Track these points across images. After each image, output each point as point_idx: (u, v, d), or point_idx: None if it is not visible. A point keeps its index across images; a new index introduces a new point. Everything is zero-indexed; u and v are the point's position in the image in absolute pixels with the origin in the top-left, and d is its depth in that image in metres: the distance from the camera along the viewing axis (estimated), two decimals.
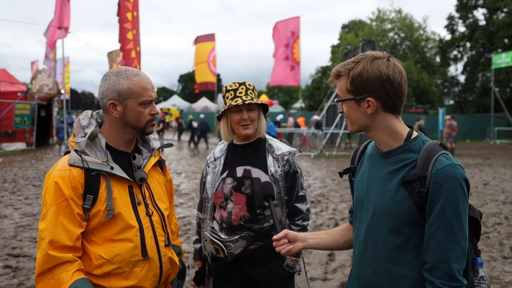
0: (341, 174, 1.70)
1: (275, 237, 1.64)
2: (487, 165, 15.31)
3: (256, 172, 2.24)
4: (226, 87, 2.31)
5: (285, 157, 2.27)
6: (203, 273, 2.37)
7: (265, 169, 2.25)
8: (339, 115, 20.54)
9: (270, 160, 2.27)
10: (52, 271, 1.57)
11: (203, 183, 2.43)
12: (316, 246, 1.72)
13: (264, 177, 2.22)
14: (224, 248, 2.24)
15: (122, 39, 17.59)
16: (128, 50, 17.84)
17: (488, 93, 32.05)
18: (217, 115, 2.39)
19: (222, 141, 2.46)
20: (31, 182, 10.06)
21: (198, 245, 2.49)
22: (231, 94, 2.26)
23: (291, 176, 2.27)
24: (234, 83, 2.29)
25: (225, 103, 2.29)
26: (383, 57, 1.46)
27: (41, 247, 1.59)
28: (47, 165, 13.20)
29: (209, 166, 2.40)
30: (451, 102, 41.17)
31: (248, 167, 2.27)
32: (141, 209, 1.76)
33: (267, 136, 2.38)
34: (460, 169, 1.37)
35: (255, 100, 2.23)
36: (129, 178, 1.73)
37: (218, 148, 2.45)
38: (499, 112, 30.34)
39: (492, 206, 8.10)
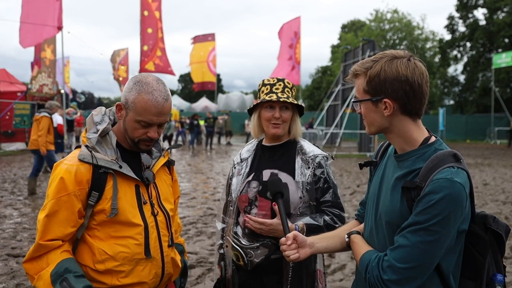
0: (361, 166, 1.66)
1: (283, 239, 1.55)
2: (487, 165, 15.29)
3: (284, 177, 2.07)
4: (263, 80, 2.16)
5: (317, 160, 2.09)
6: (224, 281, 2.24)
7: (293, 173, 2.08)
8: (339, 115, 20.28)
9: (298, 162, 2.10)
10: (40, 257, 1.63)
11: (228, 185, 2.29)
12: (325, 251, 1.65)
13: (292, 183, 2.06)
14: (244, 255, 2.10)
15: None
16: (144, 50, 18.22)
17: (488, 93, 32.03)
18: (248, 108, 2.23)
19: (250, 141, 2.34)
20: None
21: (221, 250, 2.33)
22: (267, 89, 2.11)
23: (322, 183, 2.08)
24: (273, 78, 2.14)
25: (259, 97, 2.14)
26: (403, 56, 1.39)
27: (36, 236, 1.64)
28: (47, 165, 13.18)
29: (235, 168, 2.26)
30: (451, 102, 41.17)
31: (276, 171, 2.11)
32: (147, 208, 1.76)
33: (300, 138, 2.22)
34: (458, 187, 1.27)
35: (291, 99, 2.07)
36: (136, 178, 1.73)
37: (245, 149, 2.31)
38: (499, 112, 30.32)
39: (492, 206, 8.10)
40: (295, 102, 2.09)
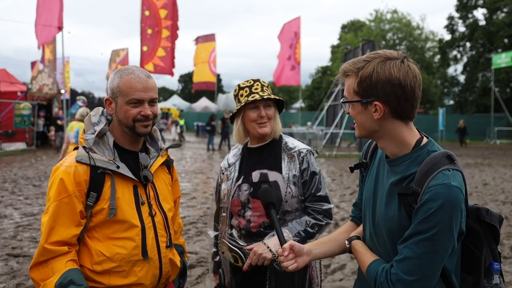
0: (352, 169, 1.62)
1: (279, 250, 1.54)
2: (487, 165, 15.30)
3: (273, 175, 2.09)
4: (239, 85, 2.16)
5: (302, 155, 2.12)
6: None
7: (281, 171, 2.10)
8: (339, 115, 20.24)
9: (285, 159, 2.12)
10: (46, 262, 1.62)
11: (218, 192, 2.29)
12: (323, 256, 1.63)
13: (282, 180, 2.08)
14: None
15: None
16: (144, 51, 18.06)
17: (488, 93, 32.04)
18: (230, 114, 2.23)
19: (236, 145, 2.33)
20: (31, 182, 10.04)
21: (216, 258, 2.32)
22: (246, 91, 2.12)
23: (309, 177, 2.10)
24: (248, 80, 2.15)
25: (239, 102, 2.13)
26: (397, 57, 1.33)
27: (40, 240, 1.64)
28: (47, 165, 13.19)
29: (223, 173, 2.26)
30: (451, 102, 41.16)
31: (265, 171, 2.12)
32: (145, 209, 1.76)
33: (283, 135, 2.23)
34: (455, 192, 1.25)
35: (273, 96, 2.10)
36: (134, 178, 1.74)
37: (231, 153, 2.31)
38: (499, 112, 30.32)
39: (492, 206, 8.10)
40: (277, 97, 2.12)
